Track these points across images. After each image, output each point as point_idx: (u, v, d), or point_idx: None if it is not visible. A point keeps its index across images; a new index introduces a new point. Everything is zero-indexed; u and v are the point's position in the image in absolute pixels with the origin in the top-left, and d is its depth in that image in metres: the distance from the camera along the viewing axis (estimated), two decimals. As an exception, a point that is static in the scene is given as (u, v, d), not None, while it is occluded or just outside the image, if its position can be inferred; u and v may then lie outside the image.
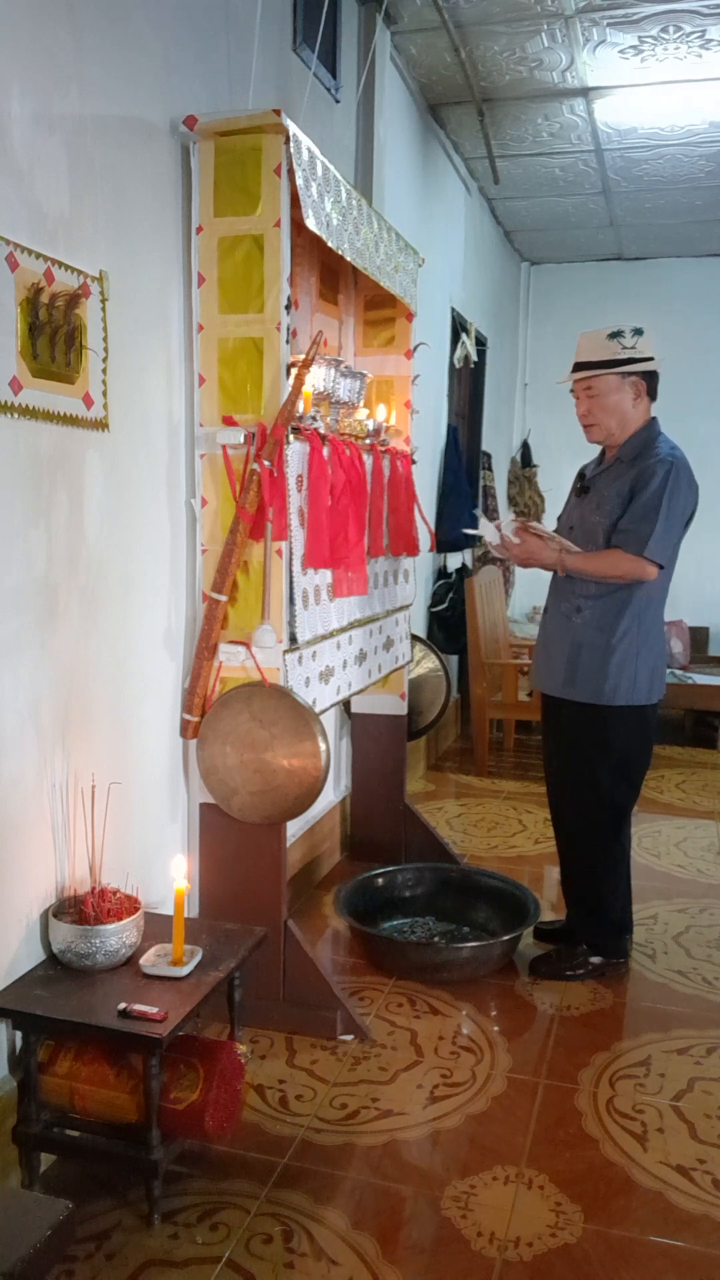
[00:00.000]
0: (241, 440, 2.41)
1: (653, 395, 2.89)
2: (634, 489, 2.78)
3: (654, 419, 2.90)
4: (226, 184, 2.40)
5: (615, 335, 2.81)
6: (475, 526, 3.10)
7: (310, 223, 2.45)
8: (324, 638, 2.76)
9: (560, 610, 2.95)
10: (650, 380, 2.86)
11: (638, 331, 2.81)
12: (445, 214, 5.05)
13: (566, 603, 2.93)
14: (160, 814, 2.55)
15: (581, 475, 3.02)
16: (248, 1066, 2.23)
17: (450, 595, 5.29)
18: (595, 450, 3.05)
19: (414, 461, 3.50)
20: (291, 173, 2.36)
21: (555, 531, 2.97)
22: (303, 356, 2.44)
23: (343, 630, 2.92)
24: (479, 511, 3.26)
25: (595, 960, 3.00)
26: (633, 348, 2.80)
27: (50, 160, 1.97)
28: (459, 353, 5.42)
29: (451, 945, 3.06)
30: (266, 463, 2.38)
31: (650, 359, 2.83)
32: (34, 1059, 1.97)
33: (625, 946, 3.06)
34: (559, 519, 3.14)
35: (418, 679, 4.14)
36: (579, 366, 2.86)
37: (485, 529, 3.04)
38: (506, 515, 2.76)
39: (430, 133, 4.67)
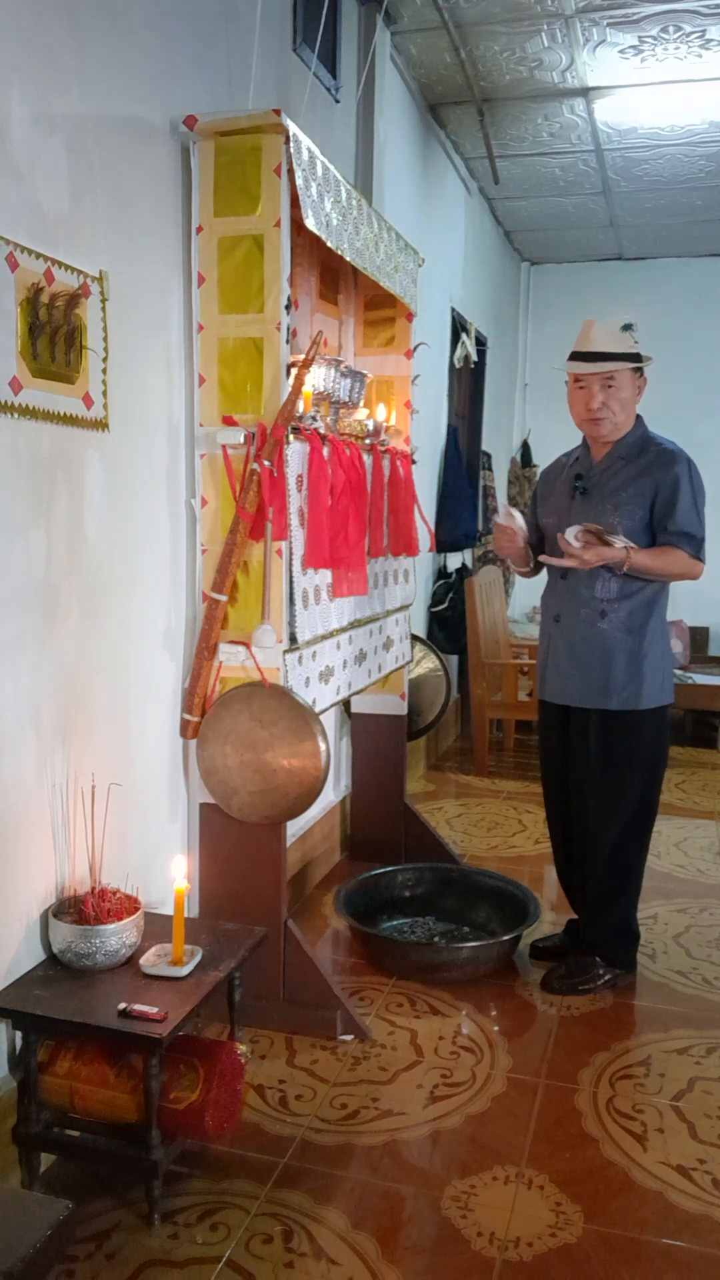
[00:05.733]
0: (241, 440, 2.41)
1: None
2: (660, 487, 2.74)
3: (639, 415, 2.87)
4: (226, 184, 2.40)
5: (628, 328, 2.75)
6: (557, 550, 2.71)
7: (310, 223, 2.45)
8: (324, 638, 2.76)
9: (580, 616, 2.82)
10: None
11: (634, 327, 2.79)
12: (445, 214, 5.05)
13: (586, 608, 2.80)
14: (160, 814, 2.55)
15: (578, 476, 2.87)
16: (248, 1066, 2.23)
17: (450, 595, 5.29)
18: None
19: (414, 461, 3.50)
20: (291, 173, 2.36)
21: (543, 532, 2.93)
22: (303, 356, 2.44)
23: (343, 630, 2.92)
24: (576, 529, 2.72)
25: (607, 974, 2.91)
26: (638, 344, 2.76)
27: (50, 160, 1.97)
28: (459, 353, 5.42)
29: (451, 945, 3.06)
30: (266, 463, 2.38)
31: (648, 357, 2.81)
32: (34, 1059, 1.97)
33: (635, 958, 3.00)
34: (542, 521, 2.97)
35: (418, 679, 4.14)
36: (599, 356, 2.73)
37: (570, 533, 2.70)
38: (573, 528, 2.67)
39: (430, 133, 4.67)
